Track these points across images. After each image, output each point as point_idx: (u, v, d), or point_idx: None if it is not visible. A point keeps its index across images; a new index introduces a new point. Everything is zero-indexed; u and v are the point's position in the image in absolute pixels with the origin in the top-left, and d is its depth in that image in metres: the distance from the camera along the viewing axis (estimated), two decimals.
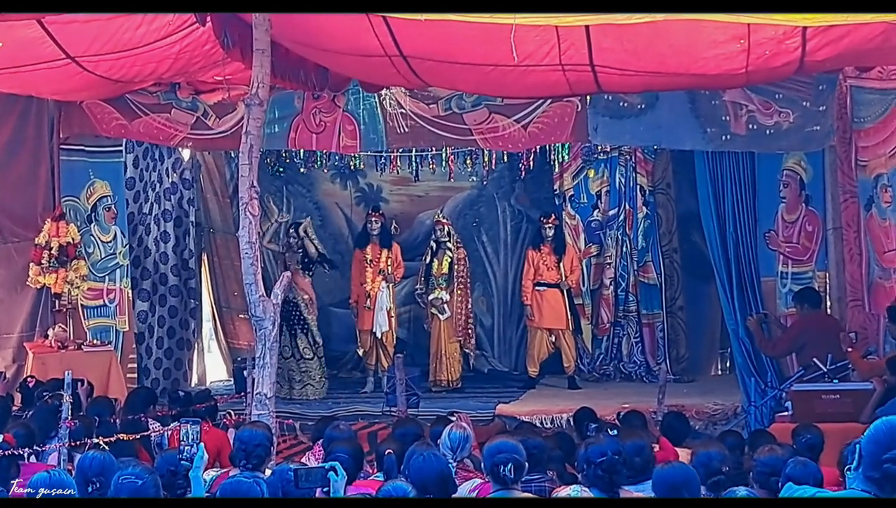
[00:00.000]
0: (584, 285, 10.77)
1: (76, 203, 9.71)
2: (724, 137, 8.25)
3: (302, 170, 11.26)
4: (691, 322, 10.86)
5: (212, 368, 11.62)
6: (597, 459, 4.42)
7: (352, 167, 11.11)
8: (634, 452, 4.84)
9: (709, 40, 6.35)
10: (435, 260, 10.30)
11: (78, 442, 6.13)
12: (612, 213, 10.81)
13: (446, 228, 10.39)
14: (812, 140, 8.17)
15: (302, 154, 10.47)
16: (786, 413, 7.50)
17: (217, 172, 11.29)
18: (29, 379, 8.14)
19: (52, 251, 9.15)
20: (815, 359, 7.65)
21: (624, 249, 10.77)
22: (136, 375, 9.89)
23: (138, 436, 6.58)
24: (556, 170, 10.92)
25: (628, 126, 8.50)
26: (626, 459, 4.60)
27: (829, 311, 8.66)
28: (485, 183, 11.29)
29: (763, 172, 8.78)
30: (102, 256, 9.80)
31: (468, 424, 5.90)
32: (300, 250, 9.96)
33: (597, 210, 10.92)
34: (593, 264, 10.90)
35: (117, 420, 6.88)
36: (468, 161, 10.72)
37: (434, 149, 10.12)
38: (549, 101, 8.51)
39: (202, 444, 4.62)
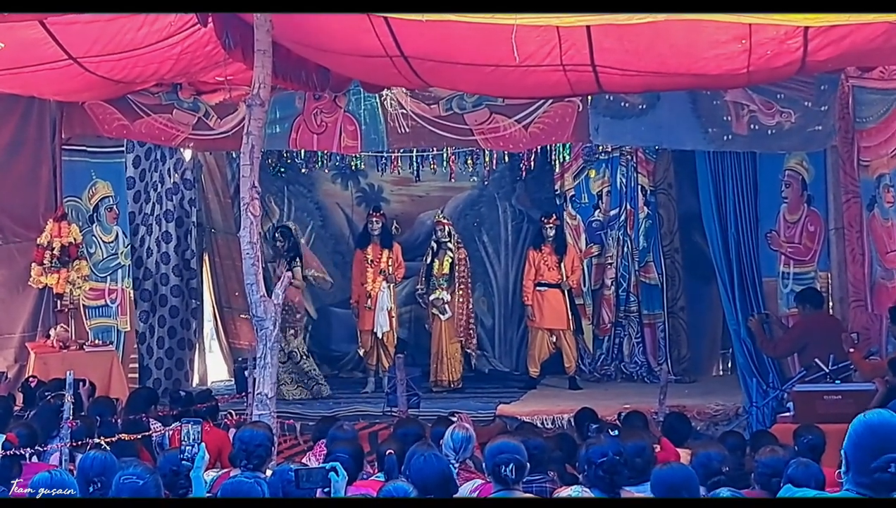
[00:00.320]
0: (585, 286, 10.76)
1: (78, 203, 9.72)
2: (725, 138, 8.24)
3: (303, 170, 11.27)
4: (693, 323, 10.85)
5: (213, 368, 11.63)
6: (598, 460, 4.42)
7: (353, 168, 11.11)
8: (635, 453, 4.84)
9: (710, 40, 6.34)
10: (436, 260, 10.30)
11: (79, 442, 6.13)
12: (613, 213, 10.81)
13: (447, 228, 10.39)
14: (814, 140, 8.16)
15: (303, 154, 10.48)
16: (787, 414, 7.50)
17: (218, 172, 11.30)
18: (31, 379, 8.15)
19: (54, 252, 9.16)
20: (816, 360, 7.64)
21: (625, 249, 10.76)
22: (137, 375, 9.90)
23: (139, 436, 6.58)
24: (557, 170, 10.92)
25: (629, 126, 8.49)
26: (627, 460, 4.60)
27: (830, 311, 8.65)
28: (486, 183, 11.29)
29: (764, 173, 8.77)
30: (104, 256, 9.81)
31: (469, 424, 5.90)
32: (286, 252, 9.91)
33: (598, 210, 10.91)
34: (594, 264, 10.89)
35: (119, 420, 6.88)
36: (469, 161, 10.72)
37: (435, 149, 10.12)
38: (550, 101, 8.51)
39: (203, 444, 4.61)
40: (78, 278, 9.27)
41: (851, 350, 7.75)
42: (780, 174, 8.82)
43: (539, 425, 8.54)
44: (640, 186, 10.74)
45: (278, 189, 11.48)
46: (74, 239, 9.28)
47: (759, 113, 8.10)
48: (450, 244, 10.33)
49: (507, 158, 10.63)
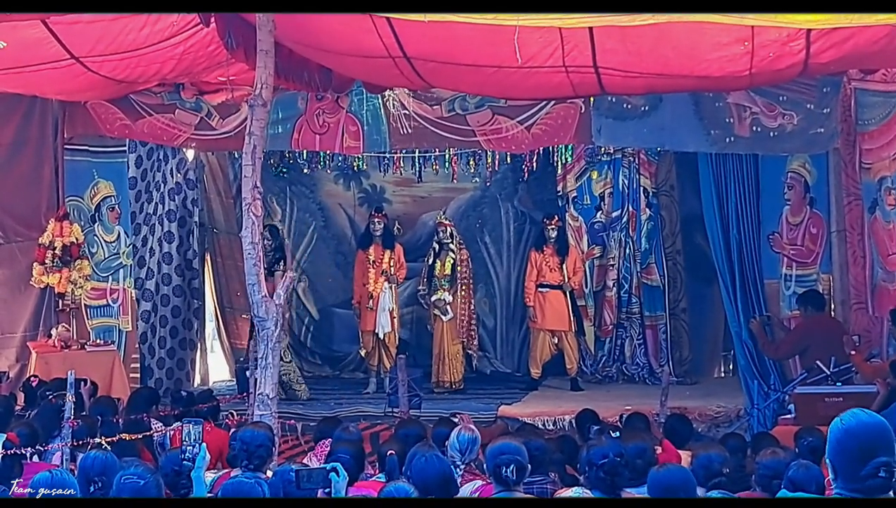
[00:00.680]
0: (586, 287, 10.76)
1: (80, 203, 9.72)
2: (727, 140, 8.24)
3: (305, 171, 11.28)
4: (694, 324, 10.85)
5: (214, 368, 11.63)
6: (598, 461, 4.42)
7: (355, 168, 11.12)
8: (636, 454, 4.83)
9: (712, 42, 6.33)
10: (438, 261, 10.30)
11: (81, 442, 6.13)
12: (615, 214, 10.80)
13: (449, 229, 10.39)
14: (816, 142, 8.16)
15: (305, 155, 10.48)
16: (789, 416, 7.50)
17: (220, 172, 11.31)
18: (32, 379, 8.16)
19: (56, 251, 9.17)
20: (818, 362, 7.64)
21: (627, 250, 10.76)
22: (138, 375, 9.90)
23: (141, 436, 6.58)
24: (560, 171, 10.92)
25: (632, 128, 8.49)
26: (627, 461, 4.60)
27: (832, 314, 8.65)
28: (488, 184, 11.29)
29: (766, 175, 8.77)
30: (106, 256, 9.81)
31: (473, 426, 5.89)
32: (272, 252, 9.89)
33: (600, 212, 10.91)
34: (596, 265, 10.89)
35: (120, 420, 6.88)
36: (471, 162, 10.72)
37: (437, 150, 10.13)
38: (552, 102, 8.51)
39: (204, 444, 4.61)
40: (80, 277, 9.28)
41: (853, 352, 7.75)
42: (783, 176, 8.82)
43: (540, 426, 8.54)
44: (642, 188, 10.73)
45: (280, 189, 11.49)
46: (76, 239, 9.28)
47: (761, 115, 8.10)
48: (452, 245, 10.33)
49: (509, 160, 10.62)
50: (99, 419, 6.69)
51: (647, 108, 8.35)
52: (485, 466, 4.61)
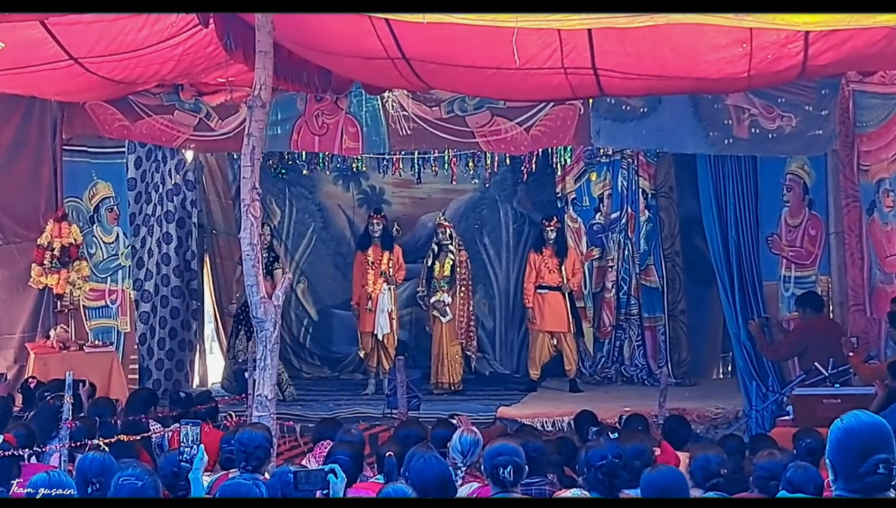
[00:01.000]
0: (585, 289, 10.76)
1: (79, 204, 9.73)
2: (726, 141, 8.23)
3: (304, 172, 11.28)
4: (693, 326, 10.85)
5: (213, 369, 11.63)
6: (597, 462, 4.42)
7: (354, 169, 11.11)
8: (634, 455, 4.84)
9: (711, 44, 6.34)
10: (437, 262, 10.30)
11: (79, 443, 6.13)
12: (614, 216, 10.81)
13: (448, 230, 10.40)
14: (814, 144, 8.16)
15: (304, 156, 10.48)
16: (787, 418, 7.50)
17: (220, 173, 11.31)
18: (30, 380, 8.16)
19: (55, 252, 9.17)
20: (816, 363, 7.64)
21: (626, 252, 10.76)
22: (137, 376, 9.89)
23: (139, 437, 6.58)
24: (559, 173, 10.92)
25: (630, 130, 8.49)
26: (626, 462, 4.60)
27: (831, 315, 8.65)
28: (487, 186, 11.29)
29: (765, 176, 8.77)
30: (104, 257, 9.81)
31: (473, 427, 5.89)
32: (264, 252, 9.87)
33: (599, 213, 10.91)
34: (595, 267, 10.89)
35: (118, 421, 6.88)
36: (470, 164, 10.72)
37: (436, 151, 10.12)
38: (551, 104, 8.51)
39: (202, 445, 4.61)
40: (78, 278, 9.28)
41: (851, 354, 7.75)
42: (782, 178, 8.82)
43: (539, 427, 8.53)
44: (641, 190, 10.74)
45: (280, 191, 11.49)
46: (75, 240, 9.29)
47: (759, 117, 8.10)
48: (451, 247, 10.33)
49: (508, 161, 10.62)
50: (97, 421, 6.69)
51: (645, 109, 8.34)
52: (482, 467, 4.61)
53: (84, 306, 9.58)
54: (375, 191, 11.43)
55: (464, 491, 4.70)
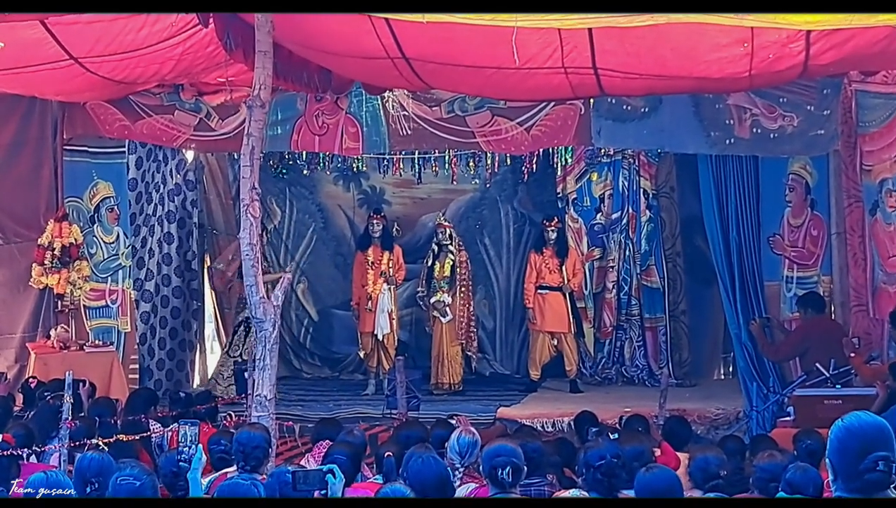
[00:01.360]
0: (586, 289, 10.74)
1: (79, 204, 9.73)
2: (727, 141, 8.22)
3: (305, 172, 11.27)
4: (694, 326, 10.83)
5: (213, 369, 11.61)
6: (595, 462, 4.41)
7: (354, 169, 11.10)
8: (634, 457, 4.83)
9: (712, 44, 6.32)
10: (437, 263, 10.29)
11: (78, 443, 6.12)
12: (615, 216, 10.79)
13: (448, 230, 10.38)
14: (816, 144, 8.14)
15: (305, 156, 10.47)
16: (788, 419, 7.48)
17: (220, 173, 11.31)
18: (31, 380, 8.16)
19: (55, 252, 9.17)
20: (817, 364, 7.62)
21: (627, 252, 10.74)
22: (137, 376, 9.89)
23: (138, 437, 6.57)
24: (559, 173, 10.89)
25: (631, 130, 8.47)
26: (624, 463, 4.59)
27: (832, 316, 8.63)
28: (487, 186, 11.28)
29: (767, 176, 8.75)
30: (105, 257, 9.81)
31: (472, 428, 5.87)
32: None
33: (600, 213, 10.89)
34: (596, 267, 10.87)
35: (118, 421, 6.88)
36: (471, 164, 10.70)
37: (437, 151, 10.12)
38: (552, 103, 8.49)
39: (200, 445, 4.60)
40: (79, 278, 9.27)
41: (852, 355, 7.74)
42: (784, 178, 8.80)
43: (539, 428, 8.51)
44: (642, 190, 10.71)
45: (280, 191, 11.48)
46: (75, 240, 9.28)
47: (761, 117, 8.08)
48: (451, 247, 10.32)
49: (508, 161, 10.60)
50: (97, 420, 6.69)
51: (646, 109, 8.33)
52: (480, 468, 4.60)
53: (85, 306, 9.58)
54: (376, 191, 11.41)
55: (462, 492, 4.68)
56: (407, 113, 8.83)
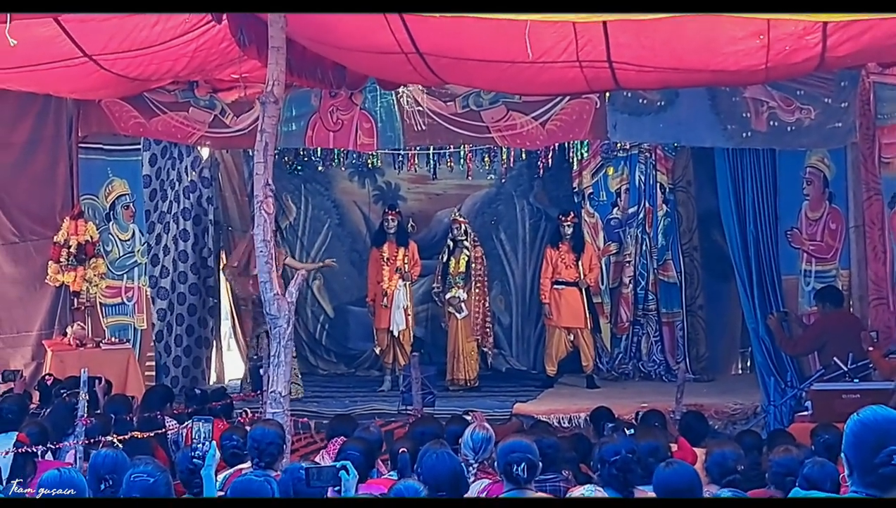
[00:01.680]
0: (603, 284, 10.71)
1: (95, 201, 9.75)
2: (744, 134, 8.16)
3: (320, 168, 11.26)
4: (711, 321, 10.78)
5: (230, 366, 11.64)
6: (611, 458, 4.39)
7: (369, 165, 11.09)
8: (649, 452, 4.79)
9: (727, 36, 6.27)
10: (452, 258, 10.27)
11: (94, 440, 6.13)
12: (631, 211, 10.74)
13: (464, 226, 10.36)
14: (834, 137, 8.07)
15: (319, 152, 10.47)
16: (806, 413, 7.43)
17: (235, 170, 11.31)
18: (47, 377, 8.19)
19: (71, 249, 9.18)
20: (835, 358, 7.57)
21: (643, 247, 10.70)
22: (154, 373, 9.91)
23: (153, 434, 6.58)
24: (575, 168, 10.85)
25: (647, 123, 8.43)
26: (640, 458, 4.56)
27: (850, 309, 8.56)
28: (503, 181, 11.25)
29: (784, 170, 8.69)
30: (121, 254, 9.83)
31: (487, 423, 5.85)
32: None
33: (616, 208, 10.85)
34: (612, 262, 10.83)
35: (134, 418, 6.88)
36: (486, 159, 10.68)
37: (452, 147, 10.10)
38: (567, 98, 8.46)
39: (214, 442, 4.59)
40: (94, 275, 9.28)
41: (871, 349, 7.67)
42: (802, 172, 8.73)
43: (556, 424, 8.50)
44: (658, 184, 10.66)
45: (295, 187, 11.48)
46: (91, 237, 9.29)
47: (778, 110, 8.02)
48: (466, 242, 10.29)
49: (524, 156, 10.57)
50: (112, 418, 6.70)
51: (662, 103, 8.28)
52: (495, 464, 4.57)
53: (101, 303, 9.61)
54: (391, 187, 11.40)
55: (474, 489, 4.66)
56: (421, 108, 8.81)
